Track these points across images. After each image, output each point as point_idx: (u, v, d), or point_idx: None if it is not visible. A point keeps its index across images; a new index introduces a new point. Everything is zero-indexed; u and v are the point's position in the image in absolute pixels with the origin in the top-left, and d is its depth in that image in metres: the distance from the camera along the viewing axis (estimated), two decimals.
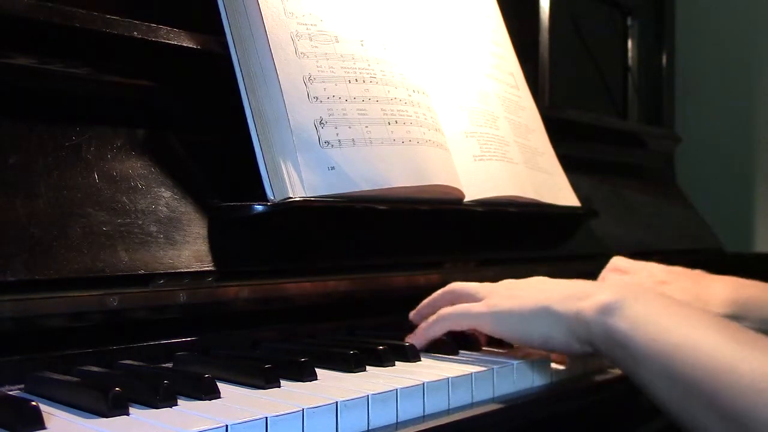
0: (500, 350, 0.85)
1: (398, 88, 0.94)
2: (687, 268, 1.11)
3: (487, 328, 0.79)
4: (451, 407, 0.69)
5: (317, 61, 0.88)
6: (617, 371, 0.86)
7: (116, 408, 0.56)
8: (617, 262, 1.13)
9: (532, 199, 1.11)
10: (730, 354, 0.62)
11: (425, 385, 0.67)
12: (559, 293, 0.76)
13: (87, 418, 0.56)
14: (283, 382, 0.66)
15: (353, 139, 0.87)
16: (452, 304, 0.84)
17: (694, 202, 1.83)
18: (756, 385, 0.59)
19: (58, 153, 0.76)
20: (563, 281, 0.81)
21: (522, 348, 0.87)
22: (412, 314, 0.90)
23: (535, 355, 0.80)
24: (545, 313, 0.75)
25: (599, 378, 0.85)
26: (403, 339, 0.83)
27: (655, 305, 0.70)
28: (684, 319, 0.68)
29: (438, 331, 0.82)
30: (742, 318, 0.99)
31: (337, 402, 0.60)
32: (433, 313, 0.84)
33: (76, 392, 0.61)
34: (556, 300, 0.75)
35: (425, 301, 0.89)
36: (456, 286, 0.87)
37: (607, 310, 0.70)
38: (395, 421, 0.64)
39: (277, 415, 0.56)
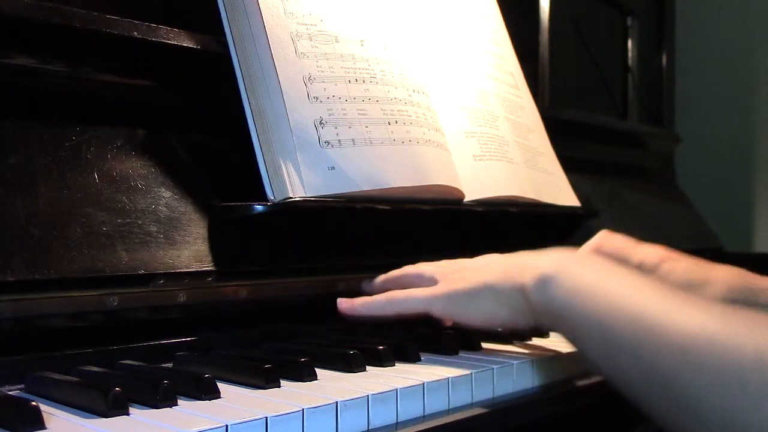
0: (501, 349, 0.85)
1: (398, 88, 0.94)
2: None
3: (435, 311, 0.81)
4: (451, 407, 0.69)
5: (317, 61, 0.88)
6: None
7: (116, 408, 0.56)
8: (604, 240, 1.07)
9: (532, 199, 1.11)
10: (661, 313, 0.60)
11: (425, 385, 0.67)
12: (499, 270, 0.77)
13: (87, 418, 0.56)
14: (283, 382, 0.66)
15: (353, 139, 0.87)
16: (410, 285, 0.84)
17: (694, 202, 1.83)
18: (683, 346, 0.58)
19: (58, 153, 0.76)
20: (508, 256, 0.81)
21: (523, 345, 0.87)
22: (366, 283, 0.90)
23: (538, 351, 0.80)
24: (487, 292, 0.77)
25: (600, 377, 0.85)
26: (403, 339, 0.83)
27: (592, 271, 0.69)
28: (619, 281, 0.66)
29: (382, 312, 0.82)
30: (748, 304, 0.99)
31: (337, 402, 0.60)
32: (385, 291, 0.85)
33: (76, 392, 0.61)
34: (496, 277, 0.77)
35: (380, 280, 0.89)
36: (409, 269, 0.87)
37: (544, 281, 0.70)
38: (395, 421, 0.64)
39: (277, 415, 0.56)
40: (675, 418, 0.59)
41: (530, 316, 0.74)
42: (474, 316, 0.79)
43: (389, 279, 0.89)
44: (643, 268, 1.00)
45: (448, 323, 0.88)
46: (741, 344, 0.55)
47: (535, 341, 0.90)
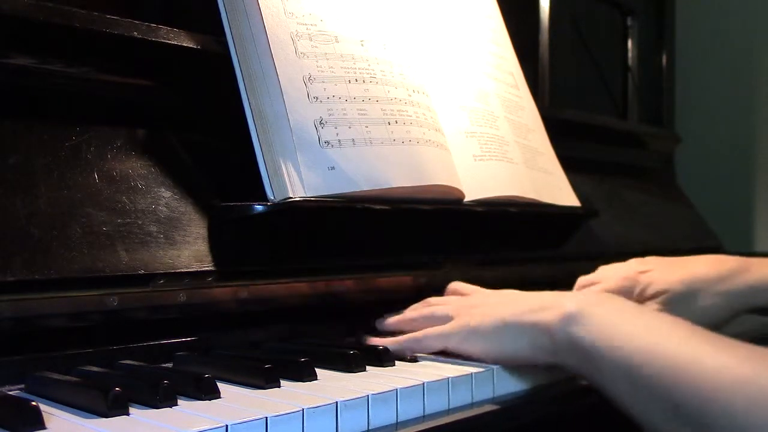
0: None
1: (398, 88, 0.94)
2: (658, 256, 1.13)
3: (456, 348, 0.79)
4: (451, 407, 0.69)
5: (317, 61, 0.88)
6: None
7: (116, 408, 0.56)
8: (604, 274, 1.11)
9: (532, 199, 1.11)
10: (690, 353, 0.62)
11: (425, 385, 0.67)
12: (522, 306, 0.76)
13: (87, 418, 0.56)
14: (283, 382, 0.66)
15: (353, 139, 0.87)
16: (424, 325, 0.84)
17: (694, 202, 1.83)
18: (714, 382, 0.60)
19: (58, 153, 0.76)
20: (529, 294, 0.81)
21: None
22: (381, 323, 0.91)
23: None
24: (509, 328, 0.75)
25: None
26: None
27: (616, 312, 0.70)
28: (645, 322, 0.68)
29: (408, 352, 0.82)
30: (728, 287, 1.03)
31: (337, 402, 0.60)
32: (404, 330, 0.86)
33: (76, 392, 0.61)
34: (519, 313, 0.75)
35: (400, 320, 0.89)
36: (429, 309, 0.87)
37: (569, 320, 0.70)
38: (395, 421, 0.64)
39: (277, 415, 0.56)
40: None
41: (551, 355, 0.73)
42: (494, 352, 0.76)
43: (403, 321, 0.88)
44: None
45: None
46: None
47: None
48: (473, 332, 0.78)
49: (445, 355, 0.81)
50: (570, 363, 0.72)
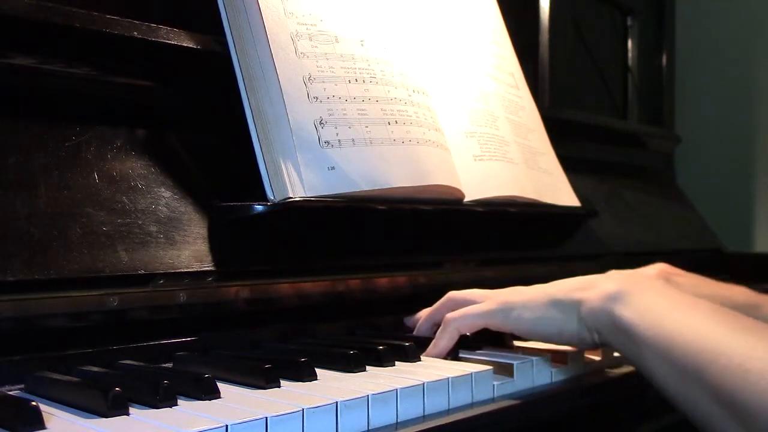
0: (500, 351, 0.85)
1: (398, 88, 0.94)
2: (661, 257, 1.13)
3: (499, 323, 0.80)
4: (451, 407, 0.69)
5: (317, 61, 0.88)
6: (617, 372, 0.86)
7: (116, 408, 0.56)
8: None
9: (532, 199, 1.11)
10: (722, 337, 0.64)
11: (425, 385, 0.67)
12: (565, 286, 0.79)
13: (87, 418, 0.56)
14: (283, 382, 0.66)
15: (353, 139, 0.87)
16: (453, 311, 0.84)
17: (694, 202, 1.83)
18: (743, 366, 0.61)
19: (58, 153, 0.76)
20: (564, 280, 0.82)
21: (521, 347, 0.87)
22: (409, 319, 0.92)
23: (537, 351, 0.80)
24: (556, 304, 0.77)
25: (599, 378, 0.85)
26: (403, 339, 0.83)
27: (657, 293, 0.72)
28: (683, 306, 0.70)
29: (451, 339, 0.82)
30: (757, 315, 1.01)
31: (337, 402, 0.60)
32: (434, 324, 0.86)
33: (76, 392, 0.61)
34: (564, 291, 0.78)
35: (425, 314, 0.90)
36: (454, 294, 0.88)
37: (612, 298, 0.73)
38: (395, 421, 0.64)
39: (277, 415, 0.56)
40: None
41: (594, 332, 0.75)
42: (541, 328, 0.78)
43: (434, 311, 0.89)
44: None
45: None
46: None
47: (531, 344, 0.90)
48: (521, 307, 0.79)
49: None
50: (613, 342, 0.74)
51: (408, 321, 0.94)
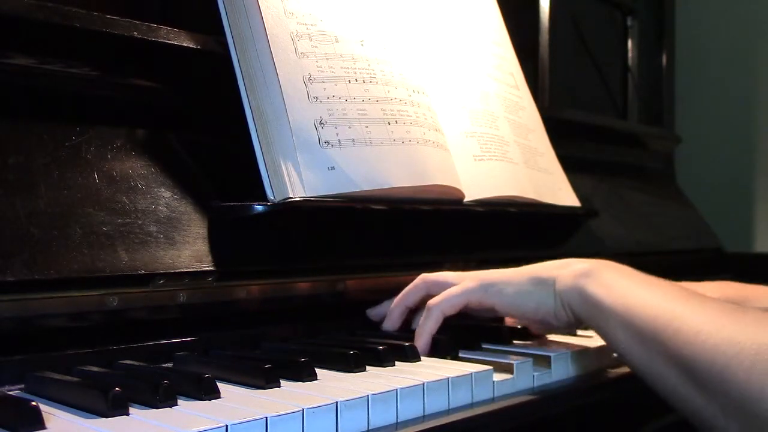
0: (501, 349, 0.85)
1: (398, 88, 0.94)
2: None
3: (480, 297, 0.84)
4: (451, 407, 0.69)
5: (317, 61, 0.88)
6: (616, 372, 0.86)
7: (116, 408, 0.56)
8: None
9: (532, 199, 1.11)
10: (678, 306, 0.71)
11: (425, 385, 0.67)
12: (544, 265, 0.84)
13: (87, 418, 0.56)
14: (283, 382, 0.66)
15: (353, 139, 0.87)
16: (429, 295, 0.87)
17: (694, 202, 1.83)
18: (695, 328, 0.67)
19: (58, 153, 0.76)
20: (543, 262, 0.86)
21: (522, 344, 0.87)
22: (373, 310, 0.93)
23: (537, 350, 0.80)
24: (535, 280, 0.83)
25: (598, 379, 0.85)
26: (403, 339, 0.83)
27: (622, 272, 0.79)
28: (645, 282, 0.77)
29: (437, 321, 0.84)
30: None
31: (337, 402, 0.60)
32: (406, 307, 0.89)
33: (76, 392, 0.61)
34: (541, 270, 0.84)
35: (397, 299, 0.91)
36: (428, 275, 0.90)
37: (583, 274, 0.79)
38: (395, 421, 0.64)
39: (277, 415, 0.56)
40: (698, 402, 0.67)
41: (568, 308, 0.80)
42: (521, 304, 0.83)
43: (405, 296, 0.90)
44: None
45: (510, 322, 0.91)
46: (747, 333, 0.65)
47: (535, 342, 0.90)
48: (502, 283, 0.84)
49: (445, 353, 0.81)
50: (583, 315, 0.79)
51: (372, 312, 0.94)
